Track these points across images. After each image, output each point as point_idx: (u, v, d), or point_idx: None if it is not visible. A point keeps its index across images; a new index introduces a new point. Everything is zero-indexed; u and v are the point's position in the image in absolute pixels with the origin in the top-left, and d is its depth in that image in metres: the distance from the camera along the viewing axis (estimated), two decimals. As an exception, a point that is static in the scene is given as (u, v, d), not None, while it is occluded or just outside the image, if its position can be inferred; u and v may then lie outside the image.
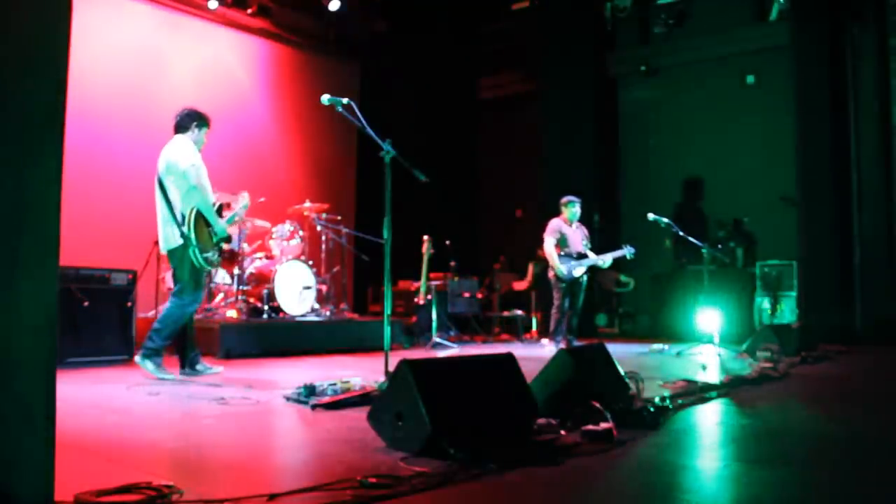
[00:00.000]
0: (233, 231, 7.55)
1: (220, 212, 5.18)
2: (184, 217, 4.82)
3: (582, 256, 7.92)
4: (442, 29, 11.77)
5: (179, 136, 5.08)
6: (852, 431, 3.42)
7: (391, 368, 3.03)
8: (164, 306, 4.97)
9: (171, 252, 4.91)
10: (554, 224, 7.99)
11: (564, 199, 8.10)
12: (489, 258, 11.62)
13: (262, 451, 2.92)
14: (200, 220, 4.88)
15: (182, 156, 4.90)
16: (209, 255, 4.89)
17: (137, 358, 4.87)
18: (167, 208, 4.88)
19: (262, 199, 7.83)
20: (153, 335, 4.84)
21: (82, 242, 6.22)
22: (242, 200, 5.69)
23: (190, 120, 5.10)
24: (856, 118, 9.06)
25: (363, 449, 2.71)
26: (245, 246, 7.61)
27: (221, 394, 4.15)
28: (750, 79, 10.82)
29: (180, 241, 4.81)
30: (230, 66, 10.11)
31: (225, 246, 5.87)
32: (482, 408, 2.85)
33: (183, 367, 5.05)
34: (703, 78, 11.18)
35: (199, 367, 5.11)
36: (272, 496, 2.00)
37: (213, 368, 5.19)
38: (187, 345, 5.09)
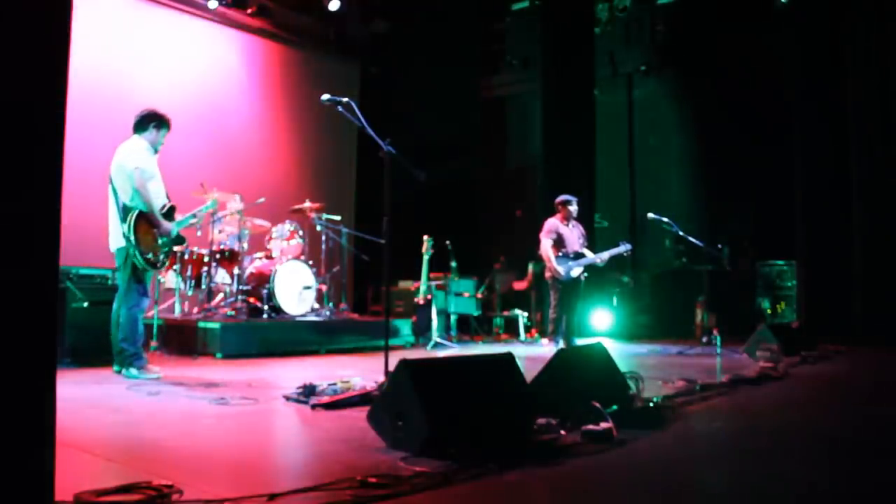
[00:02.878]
0: (231, 230, 7.57)
1: (171, 213, 5.16)
2: (126, 218, 4.85)
3: (579, 256, 7.91)
4: (442, 29, 11.76)
5: (135, 136, 5.09)
6: (852, 431, 3.42)
7: (391, 368, 3.03)
8: (121, 314, 4.91)
9: (117, 252, 4.95)
10: (550, 224, 7.97)
11: (560, 199, 8.08)
12: (489, 258, 11.61)
13: (262, 451, 2.92)
14: (142, 221, 4.88)
15: (130, 157, 4.90)
16: (151, 256, 4.91)
17: (122, 371, 4.85)
18: (116, 207, 4.92)
19: (262, 200, 7.84)
20: (123, 346, 4.87)
21: (82, 242, 6.21)
22: (209, 200, 5.80)
23: (148, 121, 5.09)
24: (856, 114, 9.05)
25: (363, 449, 2.71)
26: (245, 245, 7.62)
27: (221, 394, 4.15)
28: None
29: (123, 242, 4.84)
30: (230, 65, 10.11)
31: (178, 247, 5.94)
32: (482, 408, 2.85)
33: (117, 364, 4.97)
34: (702, 77, 11.17)
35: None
36: (272, 496, 2.00)
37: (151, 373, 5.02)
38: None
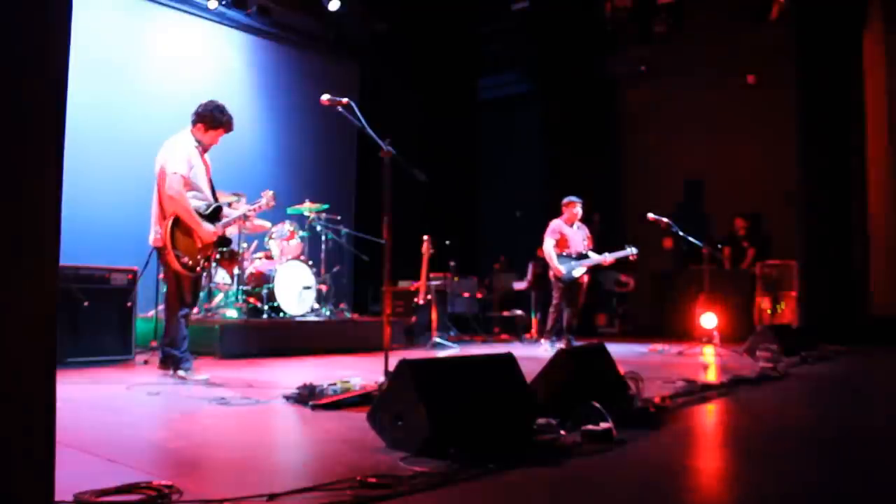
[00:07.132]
0: (232, 231, 7.55)
1: (215, 214, 5.05)
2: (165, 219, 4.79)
3: (582, 257, 7.92)
4: (442, 29, 11.76)
5: (185, 130, 4.98)
6: (852, 431, 3.42)
7: (391, 368, 3.03)
8: (163, 316, 4.94)
9: (157, 251, 4.90)
10: (554, 225, 8.02)
11: (566, 200, 8.12)
12: (489, 258, 11.62)
13: (262, 451, 2.92)
14: (180, 225, 4.80)
15: (172, 160, 4.79)
16: (188, 260, 4.81)
17: (171, 375, 4.84)
18: (157, 206, 4.87)
19: (263, 199, 7.84)
20: (167, 350, 4.86)
21: (82, 242, 6.21)
22: (263, 199, 5.57)
23: (197, 118, 4.97)
24: (857, 113, 9.04)
25: (363, 449, 2.71)
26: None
27: (221, 394, 4.15)
28: (749, 79, 10.81)
29: (161, 242, 4.79)
30: (229, 65, 10.11)
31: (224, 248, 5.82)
32: (482, 408, 2.85)
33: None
34: (703, 77, 11.17)
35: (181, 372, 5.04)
36: (272, 496, 2.00)
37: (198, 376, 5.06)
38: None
